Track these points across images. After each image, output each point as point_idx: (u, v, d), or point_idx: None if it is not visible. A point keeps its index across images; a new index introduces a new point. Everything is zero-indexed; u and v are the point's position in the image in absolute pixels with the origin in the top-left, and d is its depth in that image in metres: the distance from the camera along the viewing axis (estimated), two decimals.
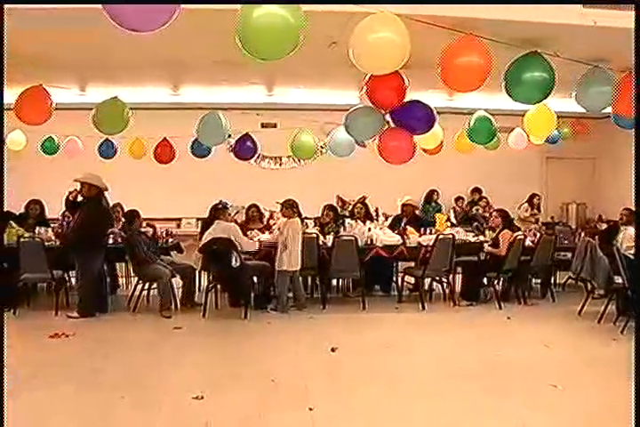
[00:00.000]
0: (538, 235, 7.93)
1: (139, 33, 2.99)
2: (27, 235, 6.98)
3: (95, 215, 6.61)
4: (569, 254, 7.89)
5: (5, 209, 7.44)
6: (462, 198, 11.47)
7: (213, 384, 4.42)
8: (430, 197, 11.12)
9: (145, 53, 6.58)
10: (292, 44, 3.16)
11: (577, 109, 5.23)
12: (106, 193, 6.81)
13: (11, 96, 5.15)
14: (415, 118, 5.13)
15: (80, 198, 6.84)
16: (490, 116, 6.49)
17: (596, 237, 7.78)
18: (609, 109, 5.11)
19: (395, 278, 8.08)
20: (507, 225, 7.54)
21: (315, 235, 7.29)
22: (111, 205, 7.28)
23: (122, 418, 3.82)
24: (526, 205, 10.83)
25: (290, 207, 6.93)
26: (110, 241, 7.22)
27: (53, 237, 7.34)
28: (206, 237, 6.76)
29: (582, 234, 8.27)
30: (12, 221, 7.19)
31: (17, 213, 7.66)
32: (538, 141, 7.89)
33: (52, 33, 5.48)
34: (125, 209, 7.75)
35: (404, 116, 5.04)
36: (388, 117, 5.26)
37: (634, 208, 6.53)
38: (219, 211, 7.05)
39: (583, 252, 6.93)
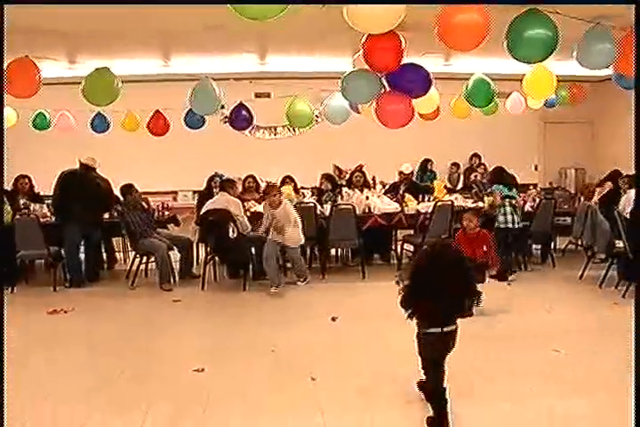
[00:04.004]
0: (537, 200, 7.85)
1: None
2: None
3: (55, 188, 7.06)
4: (569, 219, 7.89)
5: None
6: (458, 164, 11.39)
7: (214, 356, 4.41)
8: (425, 166, 11.04)
9: (135, 21, 6.46)
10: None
11: (575, 72, 5.11)
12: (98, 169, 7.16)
13: None
14: (411, 81, 5.00)
15: None
16: (487, 79, 6.35)
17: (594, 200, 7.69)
18: (609, 71, 4.99)
19: (394, 247, 8.04)
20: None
21: (312, 204, 7.23)
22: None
23: (122, 391, 3.79)
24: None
25: (273, 192, 6.46)
26: (106, 215, 7.29)
27: (49, 214, 7.29)
28: (206, 207, 6.66)
29: (582, 199, 8.20)
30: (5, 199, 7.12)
31: (8, 190, 7.55)
32: (536, 105, 7.77)
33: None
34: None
35: (400, 78, 4.91)
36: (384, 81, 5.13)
37: (634, 172, 6.38)
38: (227, 183, 6.93)
39: (583, 216, 6.88)
